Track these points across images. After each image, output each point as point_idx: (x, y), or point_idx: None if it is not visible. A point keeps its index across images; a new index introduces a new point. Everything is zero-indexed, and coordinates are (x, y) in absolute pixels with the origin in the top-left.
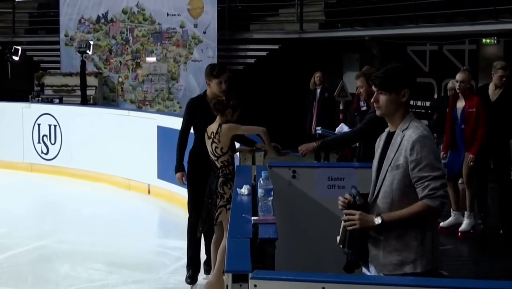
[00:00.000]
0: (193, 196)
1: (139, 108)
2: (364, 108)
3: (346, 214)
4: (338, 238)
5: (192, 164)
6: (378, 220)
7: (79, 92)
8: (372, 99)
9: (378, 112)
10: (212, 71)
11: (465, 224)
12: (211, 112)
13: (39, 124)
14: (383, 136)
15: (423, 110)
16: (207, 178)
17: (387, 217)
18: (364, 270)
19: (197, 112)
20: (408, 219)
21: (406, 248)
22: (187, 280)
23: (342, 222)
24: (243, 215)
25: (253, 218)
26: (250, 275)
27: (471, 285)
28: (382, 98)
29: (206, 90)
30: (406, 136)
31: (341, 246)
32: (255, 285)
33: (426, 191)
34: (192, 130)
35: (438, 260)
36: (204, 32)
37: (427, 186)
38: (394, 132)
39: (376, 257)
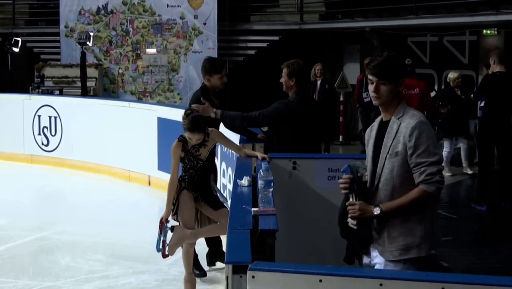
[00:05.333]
0: None
1: (139, 100)
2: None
3: (348, 205)
4: (351, 221)
5: None
6: (377, 211)
7: (79, 84)
8: (372, 89)
9: (376, 102)
10: (213, 67)
11: None
12: (215, 105)
13: (39, 116)
14: (374, 126)
15: None
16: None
17: (385, 207)
18: (365, 258)
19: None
20: (407, 206)
21: (411, 233)
22: (198, 274)
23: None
24: (243, 206)
25: (253, 209)
26: (249, 266)
27: (472, 280)
28: (384, 88)
29: (204, 85)
30: (404, 123)
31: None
32: (253, 276)
33: (422, 176)
34: None
35: (437, 242)
36: (204, 24)
37: (423, 171)
38: (387, 121)
39: (382, 244)
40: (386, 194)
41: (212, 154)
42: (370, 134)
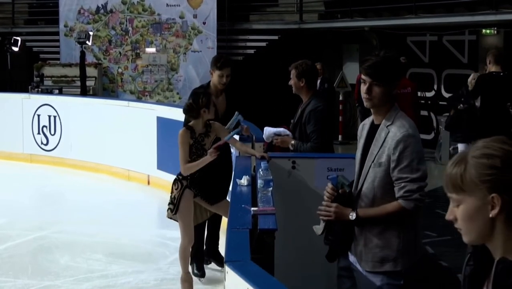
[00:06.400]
0: None
1: (138, 99)
2: None
3: (324, 205)
4: (317, 227)
5: None
6: (352, 216)
7: (78, 83)
8: (364, 90)
9: (368, 104)
10: (216, 63)
11: None
12: (214, 104)
13: (38, 115)
14: (366, 125)
15: (422, 101)
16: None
17: (362, 213)
18: (345, 261)
19: None
20: (383, 217)
21: (388, 246)
22: (196, 274)
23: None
24: (243, 206)
25: (252, 208)
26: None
27: None
28: (377, 90)
29: (210, 81)
30: (391, 133)
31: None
32: (227, 272)
33: (401, 192)
34: None
35: (419, 255)
36: (204, 23)
37: (403, 187)
38: (378, 125)
39: (360, 252)
40: (367, 202)
41: (227, 157)
42: (362, 133)
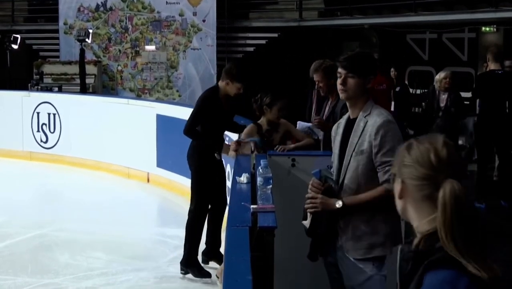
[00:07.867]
0: (198, 189)
1: (138, 97)
2: None
3: (309, 198)
4: (305, 222)
5: (198, 157)
6: (339, 204)
7: (78, 81)
8: (339, 82)
9: (343, 96)
10: (239, 75)
11: None
12: (223, 108)
13: (38, 113)
14: (341, 123)
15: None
16: (213, 171)
17: (348, 201)
18: (329, 257)
19: (210, 109)
20: (369, 203)
21: (375, 232)
22: (197, 275)
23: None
24: (242, 204)
25: (252, 206)
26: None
27: None
28: (351, 82)
29: (217, 86)
30: (370, 121)
31: (308, 230)
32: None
33: (386, 175)
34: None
35: (400, 240)
36: (203, 21)
37: (387, 170)
38: (354, 118)
39: (347, 243)
40: (352, 192)
41: None
42: (337, 131)
